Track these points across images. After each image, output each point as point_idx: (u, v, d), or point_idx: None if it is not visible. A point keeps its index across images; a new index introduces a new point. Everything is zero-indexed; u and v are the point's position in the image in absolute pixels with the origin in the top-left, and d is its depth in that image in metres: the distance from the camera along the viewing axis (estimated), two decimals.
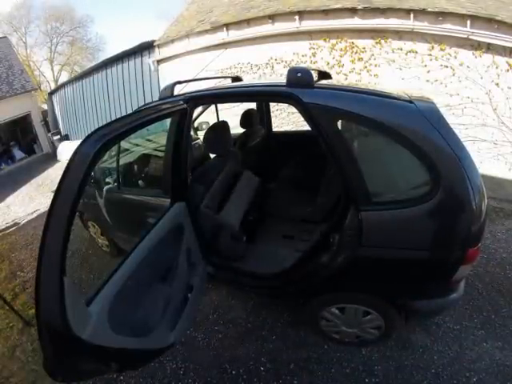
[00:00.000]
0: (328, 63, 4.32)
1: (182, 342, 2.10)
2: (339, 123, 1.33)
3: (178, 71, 5.59)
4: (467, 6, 3.36)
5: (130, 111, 1.34)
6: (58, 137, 10.31)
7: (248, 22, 4.65)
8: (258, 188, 2.37)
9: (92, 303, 1.08)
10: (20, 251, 3.85)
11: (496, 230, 3.02)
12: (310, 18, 4.17)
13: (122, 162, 2.47)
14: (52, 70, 21.58)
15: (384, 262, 1.44)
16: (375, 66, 4.03)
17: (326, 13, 4.00)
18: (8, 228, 4.78)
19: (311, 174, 2.53)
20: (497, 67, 3.33)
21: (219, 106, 3.10)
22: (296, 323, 2.14)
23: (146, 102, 2.50)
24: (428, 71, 3.69)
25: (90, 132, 0.96)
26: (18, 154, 11.00)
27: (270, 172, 2.79)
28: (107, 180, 2.54)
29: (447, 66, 3.58)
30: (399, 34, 3.74)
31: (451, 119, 3.48)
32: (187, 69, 5.42)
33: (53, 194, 0.90)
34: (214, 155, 2.37)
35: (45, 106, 13.03)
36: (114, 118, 1.14)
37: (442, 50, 3.55)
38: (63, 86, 10.49)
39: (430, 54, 3.64)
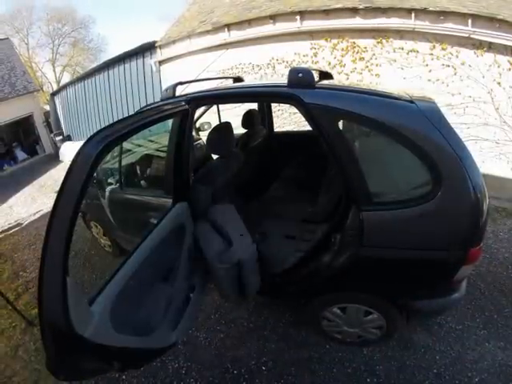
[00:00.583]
0: (329, 63, 4.32)
1: (184, 342, 2.10)
2: (340, 123, 1.33)
3: (179, 72, 5.60)
4: (468, 4, 3.35)
5: (131, 112, 1.35)
6: (61, 137, 10.33)
7: (249, 22, 4.66)
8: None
9: (94, 303, 1.09)
10: (23, 251, 3.87)
11: (498, 229, 3.01)
12: (312, 17, 4.17)
13: (124, 162, 2.48)
14: (54, 71, 21.66)
15: (385, 262, 1.44)
16: (377, 65, 4.03)
17: (327, 13, 4.00)
18: (11, 228, 4.80)
19: (313, 174, 2.53)
20: (498, 66, 3.32)
21: (221, 106, 3.11)
22: (297, 323, 2.14)
23: (148, 103, 2.51)
24: (429, 71, 3.69)
25: (92, 133, 0.97)
26: (20, 154, 11.04)
27: (272, 172, 2.79)
28: (110, 180, 2.55)
29: (449, 66, 3.58)
30: (400, 34, 3.74)
31: (453, 118, 3.51)
32: (189, 69, 5.43)
33: (56, 195, 0.90)
34: (216, 156, 2.38)
35: (47, 107, 13.08)
36: (116, 119, 1.14)
37: (443, 49, 3.54)
38: (65, 86, 10.52)
39: (432, 54, 3.63)
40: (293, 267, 1.76)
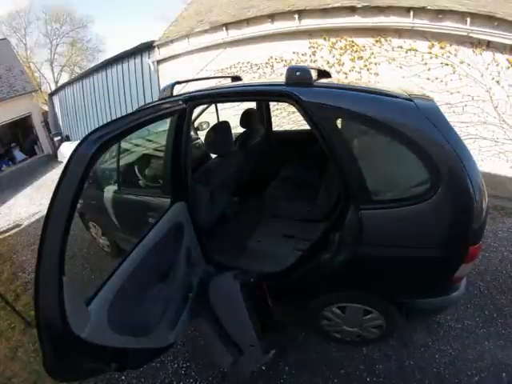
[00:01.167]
0: (328, 62, 4.32)
1: (182, 342, 2.10)
2: (338, 122, 1.32)
3: (177, 71, 5.59)
4: (467, 3, 3.35)
5: (130, 111, 1.34)
6: (59, 138, 10.31)
7: (247, 21, 4.65)
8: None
9: (91, 303, 1.08)
10: (21, 252, 3.86)
11: (497, 228, 3.01)
12: (310, 16, 4.16)
13: (122, 162, 2.48)
14: (52, 71, 21.60)
15: (384, 261, 1.44)
16: (375, 64, 4.02)
17: (326, 11, 4.00)
18: (9, 229, 4.79)
19: (311, 173, 2.53)
20: (497, 65, 3.32)
21: (219, 105, 3.10)
22: (297, 323, 2.13)
23: (146, 103, 2.50)
24: (428, 69, 3.68)
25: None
26: (18, 155, 10.99)
27: (270, 171, 2.78)
28: (108, 180, 2.54)
29: (447, 64, 3.57)
30: (399, 32, 3.73)
31: (452, 117, 3.51)
32: (187, 69, 5.43)
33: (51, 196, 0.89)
34: (214, 155, 2.37)
35: (45, 107, 13.04)
36: (113, 119, 1.13)
37: (442, 47, 3.54)
38: (63, 87, 10.52)
39: (430, 52, 3.62)
40: (291, 266, 1.75)
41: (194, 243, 1.85)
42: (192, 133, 2.94)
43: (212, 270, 2.01)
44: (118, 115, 1.38)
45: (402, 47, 3.78)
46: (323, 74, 1.84)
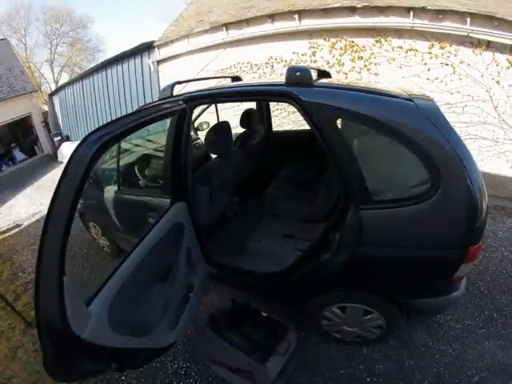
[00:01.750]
0: (328, 62, 4.31)
1: (183, 342, 2.10)
2: (338, 122, 1.33)
3: (177, 71, 5.59)
4: (467, 3, 3.35)
5: (130, 111, 1.34)
6: (59, 138, 10.30)
7: (248, 21, 4.65)
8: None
9: (92, 303, 1.09)
10: (22, 252, 3.86)
11: (497, 228, 3.01)
12: (310, 17, 4.16)
13: (122, 162, 2.48)
14: (52, 71, 21.60)
15: (384, 261, 1.44)
16: (375, 64, 4.02)
17: (326, 12, 4.00)
18: (9, 229, 4.78)
19: (311, 173, 2.53)
20: (497, 65, 3.32)
21: (219, 106, 3.10)
22: (297, 323, 2.13)
23: (146, 103, 2.50)
24: (428, 69, 3.68)
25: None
26: (18, 155, 10.98)
27: (271, 171, 2.79)
28: (108, 180, 2.54)
29: (447, 64, 3.57)
30: (399, 33, 3.73)
31: (452, 117, 3.51)
32: (187, 69, 5.43)
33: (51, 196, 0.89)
34: (215, 155, 2.37)
35: (45, 108, 13.04)
36: (113, 119, 1.13)
37: (441, 47, 3.54)
38: (63, 87, 10.51)
39: (430, 52, 3.62)
40: (291, 266, 1.75)
41: (194, 243, 1.85)
42: (192, 133, 2.94)
43: (212, 269, 2.01)
44: (118, 115, 1.39)
45: (401, 47, 3.78)
46: (323, 74, 1.84)
